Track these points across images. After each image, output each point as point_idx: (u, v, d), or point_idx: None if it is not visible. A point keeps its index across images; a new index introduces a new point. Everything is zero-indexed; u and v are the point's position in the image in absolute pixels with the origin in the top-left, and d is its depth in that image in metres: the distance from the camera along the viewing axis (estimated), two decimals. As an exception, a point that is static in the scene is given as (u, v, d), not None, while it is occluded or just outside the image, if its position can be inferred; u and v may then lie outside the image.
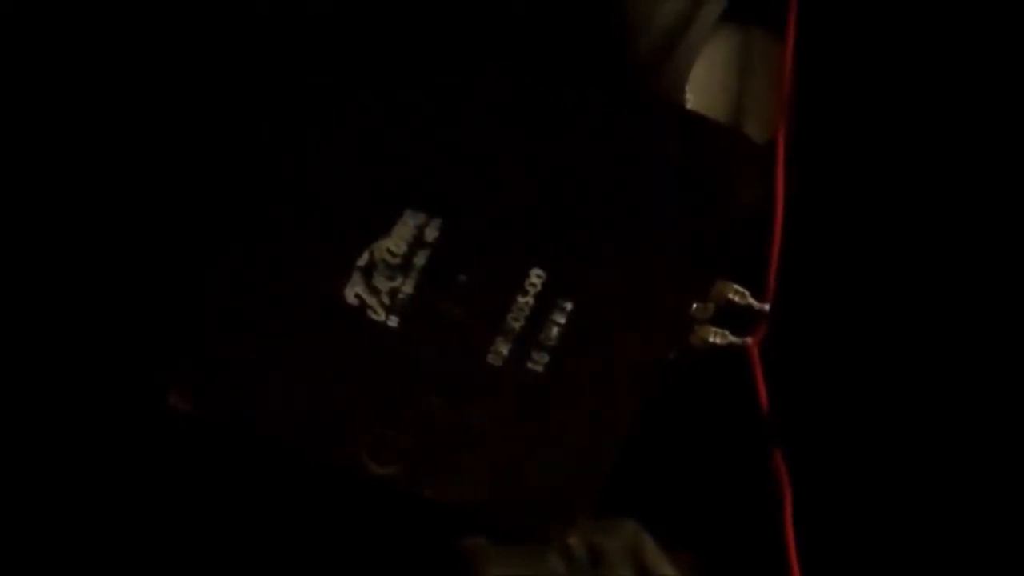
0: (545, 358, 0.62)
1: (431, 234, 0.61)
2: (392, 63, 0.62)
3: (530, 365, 0.62)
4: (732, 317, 0.65)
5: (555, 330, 0.62)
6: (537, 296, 0.62)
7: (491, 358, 0.62)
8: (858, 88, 0.66)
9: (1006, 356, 0.65)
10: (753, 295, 0.65)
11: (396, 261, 0.61)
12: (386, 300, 0.61)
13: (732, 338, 0.65)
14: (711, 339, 0.65)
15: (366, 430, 0.62)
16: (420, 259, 0.61)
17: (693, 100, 0.66)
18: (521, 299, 0.62)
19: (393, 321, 0.61)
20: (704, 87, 0.66)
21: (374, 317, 0.61)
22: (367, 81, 0.61)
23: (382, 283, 0.61)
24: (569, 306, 0.62)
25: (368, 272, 0.61)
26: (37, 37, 0.64)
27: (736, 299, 0.65)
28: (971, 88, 0.65)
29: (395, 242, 0.61)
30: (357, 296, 0.61)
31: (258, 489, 0.65)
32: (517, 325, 0.62)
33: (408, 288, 0.61)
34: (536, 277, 0.62)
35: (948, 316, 0.66)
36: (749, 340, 0.65)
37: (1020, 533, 0.65)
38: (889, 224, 0.66)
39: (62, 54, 0.64)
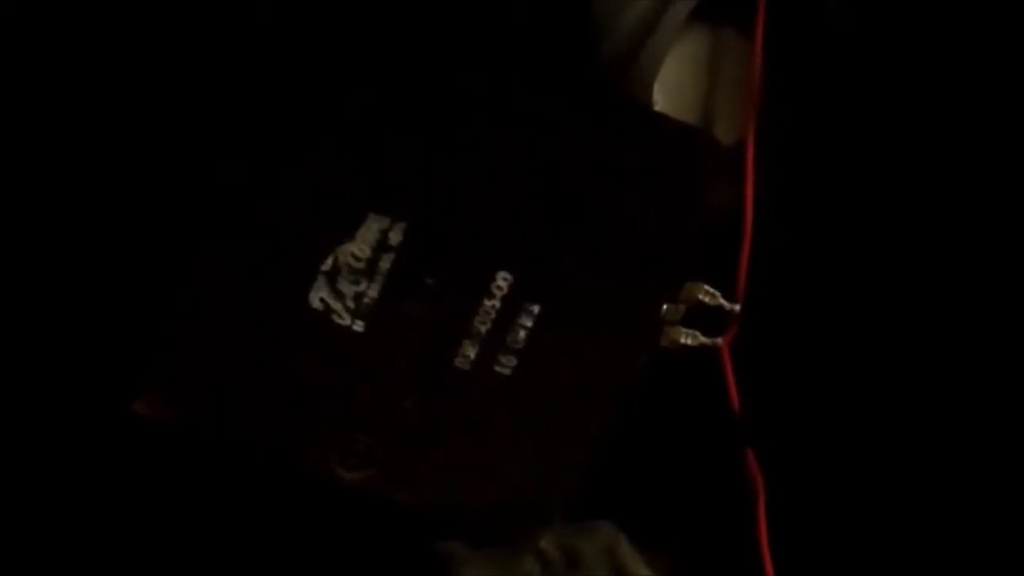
0: (513, 361, 0.62)
1: (396, 237, 0.61)
2: (353, 66, 0.61)
3: (498, 368, 0.62)
4: (703, 318, 0.64)
5: (522, 333, 0.62)
6: (504, 299, 0.61)
7: (458, 362, 0.61)
8: (828, 87, 0.65)
9: (977, 355, 0.65)
10: (724, 296, 0.64)
11: (361, 265, 0.61)
12: (351, 304, 0.61)
13: (703, 339, 0.64)
14: (682, 340, 0.64)
15: (335, 436, 0.61)
16: (385, 263, 0.61)
17: (662, 100, 0.65)
18: (488, 302, 0.61)
19: (359, 326, 0.61)
20: (673, 87, 0.65)
21: (339, 322, 0.61)
22: (331, 85, 0.61)
23: (347, 287, 0.61)
24: (536, 309, 0.62)
25: (332, 276, 0.61)
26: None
27: (707, 300, 0.64)
28: (941, 85, 0.65)
29: (359, 246, 0.61)
30: (322, 301, 0.61)
31: (234, 494, 0.64)
32: (484, 328, 0.61)
33: (373, 292, 0.61)
34: (503, 280, 0.61)
35: (918, 315, 0.65)
36: (720, 341, 0.64)
37: (992, 531, 0.64)
38: (859, 223, 0.65)
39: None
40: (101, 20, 0.63)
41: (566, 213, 0.62)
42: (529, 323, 0.61)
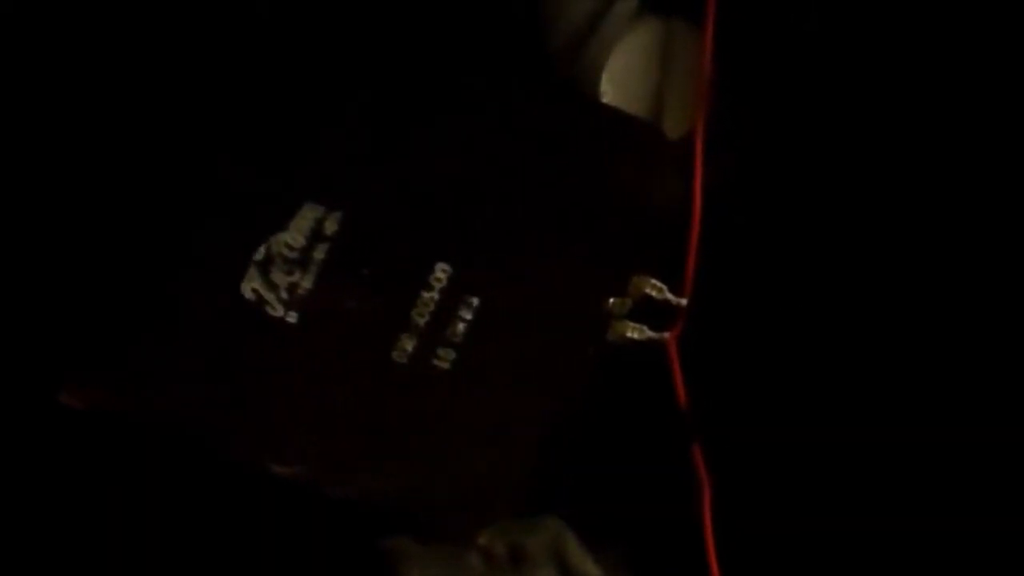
0: (452, 355, 0.60)
1: (331, 227, 0.59)
2: (288, 58, 0.60)
3: (436, 362, 0.60)
4: (651, 312, 0.63)
5: (461, 326, 0.60)
6: (442, 291, 0.60)
7: (396, 355, 0.60)
8: (778, 80, 0.64)
9: (920, 349, 0.64)
10: (671, 290, 0.63)
11: (294, 255, 0.59)
12: (284, 295, 0.59)
13: (650, 333, 0.63)
14: (629, 334, 0.63)
15: (268, 428, 0.60)
16: (319, 253, 0.59)
17: (612, 92, 0.64)
18: (426, 294, 0.60)
19: (292, 317, 0.59)
20: (623, 79, 0.64)
21: (272, 312, 0.59)
22: (266, 76, 0.59)
23: (280, 278, 0.59)
24: (476, 302, 0.60)
25: (265, 266, 0.59)
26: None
27: (654, 294, 0.63)
28: (889, 76, 0.63)
29: (293, 236, 0.59)
30: (254, 291, 0.59)
31: (168, 486, 0.63)
32: (422, 321, 0.60)
33: (307, 283, 0.59)
34: (441, 272, 0.60)
35: (864, 309, 0.64)
36: (667, 335, 0.63)
37: (930, 523, 0.64)
38: (807, 217, 0.64)
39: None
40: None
41: (507, 205, 0.60)
42: (468, 316, 0.60)
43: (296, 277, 0.59)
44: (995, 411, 0.63)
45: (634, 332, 0.63)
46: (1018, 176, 0.63)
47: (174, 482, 0.63)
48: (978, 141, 0.64)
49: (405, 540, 0.63)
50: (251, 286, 0.59)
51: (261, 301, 0.59)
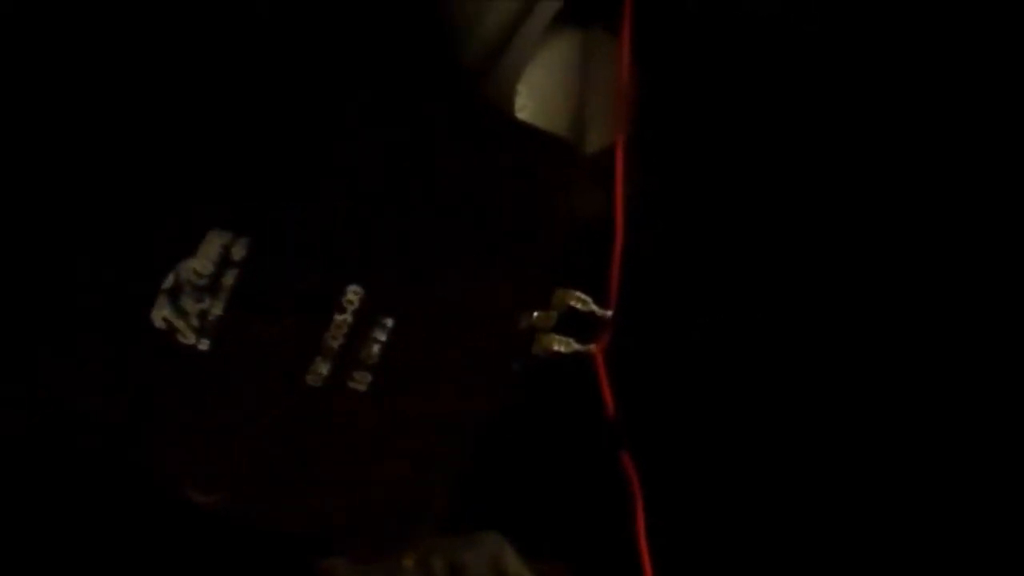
0: (368, 377, 0.60)
1: (239, 253, 0.59)
2: (194, 77, 0.59)
3: (352, 385, 0.60)
4: (577, 325, 0.62)
5: (376, 348, 0.59)
6: (355, 313, 0.59)
7: (310, 379, 0.59)
8: (700, 90, 0.63)
9: (849, 356, 0.63)
10: (596, 302, 0.62)
11: (203, 282, 0.59)
12: (195, 323, 0.59)
13: (577, 345, 0.62)
14: (555, 347, 0.62)
15: (186, 457, 0.60)
16: (229, 279, 0.59)
17: (531, 105, 0.62)
18: (339, 317, 0.59)
19: (204, 344, 0.59)
20: (542, 90, 0.63)
21: (184, 340, 0.59)
22: (169, 96, 0.59)
23: (190, 305, 0.59)
24: (390, 323, 0.59)
25: (175, 294, 0.59)
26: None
27: (579, 306, 0.62)
28: (808, 83, 0.62)
29: (201, 262, 0.59)
30: (165, 319, 0.59)
31: (101, 512, 0.63)
32: (336, 344, 0.59)
33: (218, 309, 0.59)
34: (353, 294, 0.59)
35: (788, 319, 0.63)
36: (594, 347, 0.62)
37: (863, 532, 0.63)
38: (730, 227, 0.63)
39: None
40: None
41: (419, 224, 0.59)
42: (383, 337, 0.59)
43: (206, 304, 0.59)
44: (912, 412, 0.63)
45: (560, 345, 0.62)
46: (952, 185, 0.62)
47: (107, 511, 0.62)
48: (917, 149, 0.63)
49: (339, 560, 0.63)
50: (161, 314, 0.59)
51: (172, 329, 0.59)
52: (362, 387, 0.59)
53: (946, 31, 0.62)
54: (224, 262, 0.58)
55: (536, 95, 0.62)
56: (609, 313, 0.62)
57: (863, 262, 0.62)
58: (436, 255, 0.59)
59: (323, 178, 0.59)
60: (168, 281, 0.58)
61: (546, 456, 0.64)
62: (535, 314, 0.61)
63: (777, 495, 0.63)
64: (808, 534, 0.63)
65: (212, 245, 0.58)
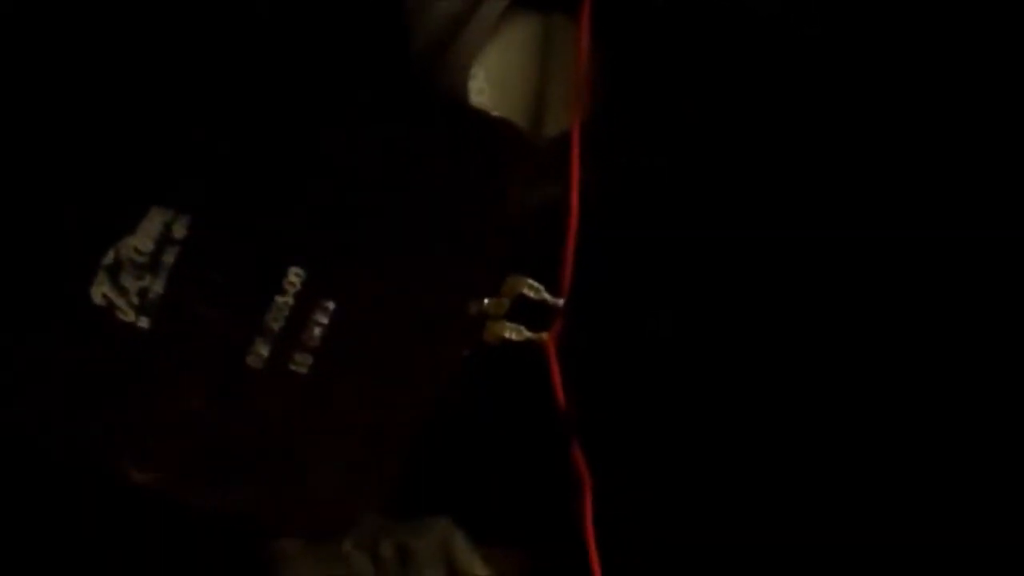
0: (309, 360, 0.59)
1: (180, 231, 0.58)
2: (140, 57, 0.58)
3: (293, 367, 0.59)
4: (529, 312, 0.61)
5: (317, 331, 0.59)
6: (297, 295, 0.58)
7: (251, 360, 0.59)
8: (660, 76, 0.61)
9: (800, 350, 0.62)
10: (548, 290, 0.61)
11: (143, 260, 0.58)
12: (135, 300, 0.58)
13: (528, 333, 0.61)
14: (506, 335, 0.61)
15: (125, 436, 0.59)
16: (169, 257, 0.58)
17: (489, 90, 0.61)
18: (280, 298, 0.58)
19: (144, 322, 0.58)
20: (501, 75, 0.62)
21: (123, 318, 0.58)
22: (116, 76, 0.58)
23: (130, 282, 0.58)
24: (332, 305, 0.59)
25: (114, 271, 0.58)
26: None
27: (531, 294, 0.61)
28: (768, 68, 0.61)
29: (141, 240, 0.58)
30: (104, 296, 0.58)
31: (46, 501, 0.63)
32: (277, 326, 0.58)
33: (158, 287, 0.58)
34: (295, 276, 0.58)
35: (744, 308, 0.62)
36: (545, 335, 0.61)
37: (816, 526, 0.62)
38: (686, 215, 0.62)
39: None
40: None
41: (365, 208, 0.58)
42: (324, 320, 0.58)
43: (147, 282, 0.58)
44: (877, 404, 0.61)
45: (511, 332, 0.61)
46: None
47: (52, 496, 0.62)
48: (877, 144, 0.61)
49: (289, 541, 0.62)
50: (101, 291, 0.58)
51: (112, 306, 0.58)
52: (303, 370, 0.59)
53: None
54: (165, 240, 0.58)
55: (494, 79, 0.61)
56: (561, 302, 0.60)
57: (835, 256, 0.61)
58: (382, 239, 0.58)
59: (266, 159, 0.58)
60: (108, 257, 0.58)
61: (496, 443, 0.63)
62: (486, 301, 0.60)
63: (728, 485, 0.62)
64: (759, 523, 0.62)
65: (153, 222, 0.58)
